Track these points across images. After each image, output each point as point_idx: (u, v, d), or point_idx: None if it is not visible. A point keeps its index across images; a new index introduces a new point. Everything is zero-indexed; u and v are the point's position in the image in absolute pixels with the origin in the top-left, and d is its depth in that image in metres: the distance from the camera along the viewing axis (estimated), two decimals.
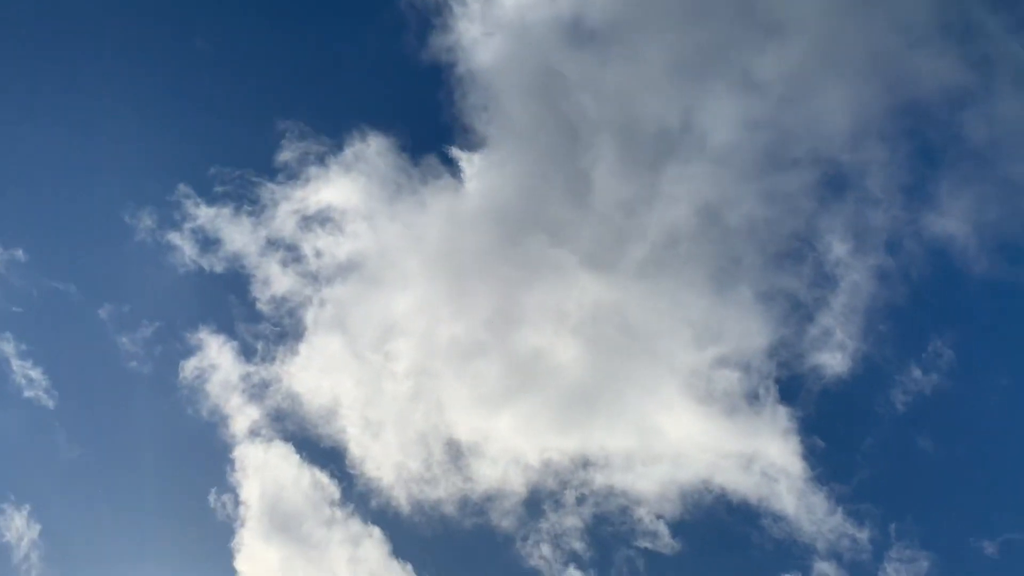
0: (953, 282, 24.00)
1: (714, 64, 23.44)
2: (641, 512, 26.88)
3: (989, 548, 22.48)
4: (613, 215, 25.30)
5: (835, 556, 24.17)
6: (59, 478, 27.51)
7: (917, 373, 23.86)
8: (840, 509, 24.41)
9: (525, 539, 28.48)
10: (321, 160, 27.00)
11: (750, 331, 25.83)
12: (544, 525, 27.95)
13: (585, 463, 26.62)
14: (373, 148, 26.53)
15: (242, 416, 28.28)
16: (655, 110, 23.87)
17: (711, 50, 23.47)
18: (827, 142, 22.08)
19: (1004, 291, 23.20)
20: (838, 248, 24.18)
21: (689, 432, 26.04)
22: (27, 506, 25.77)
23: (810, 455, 24.68)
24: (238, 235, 27.51)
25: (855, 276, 24.12)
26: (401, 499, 28.19)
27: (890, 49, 21.42)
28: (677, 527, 26.09)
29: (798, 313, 25.09)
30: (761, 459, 25.20)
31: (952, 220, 22.56)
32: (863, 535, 23.91)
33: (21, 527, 25.19)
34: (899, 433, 24.50)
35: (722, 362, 25.91)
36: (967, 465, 24.21)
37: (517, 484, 28.19)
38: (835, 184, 23.02)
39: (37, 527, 25.54)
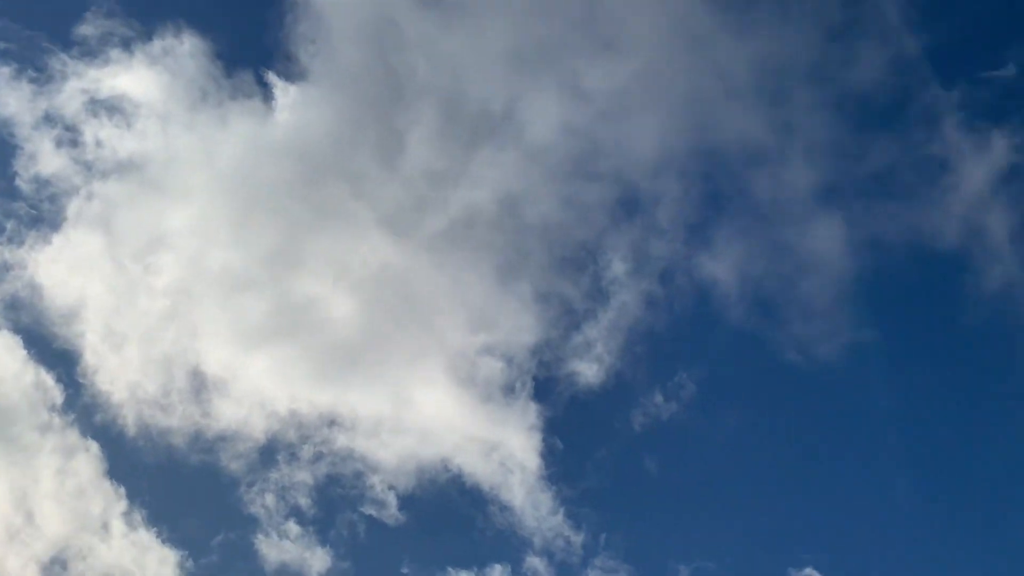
0: (709, 322, 25.68)
1: (548, 62, 23.73)
2: (375, 480, 26.82)
3: (683, 572, 24.17)
4: (418, 182, 25.03)
5: (547, 554, 25.17)
6: None
7: (659, 399, 25.31)
8: (562, 510, 25.48)
9: (251, 485, 27.62)
10: (126, 44, 25.00)
11: (521, 326, 26.44)
12: (274, 475, 27.24)
13: (331, 422, 26.18)
14: (186, 47, 24.85)
15: None
16: (482, 90, 23.87)
17: (549, 48, 23.74)
18: (631, 165, 22.91)
19: (749, 341, 25.04)
20: (617, 266, 25.23)
21: (441, 410, 26.24)
22: None
23: (548, 454, 25.58)
24: (14, 100, 25.00)
25: (626, 296, 25.28)
26: (128, 420, 26.50)
27: (707, 93, 22.55)
28: (406, 500, 26.24)
29: (568, 319, 25.98)
30: (502, 449, 25.84)
31: (721, 266, 24.12)
32: (577, 539, 25.05)
33: None
34: (631, 451, 25.87)
35: (489, 350, 26.36)
36: (682, 492, 25.95)
37: (256, 429, 27.27)
38: (629, 206, 23.93)
39: None
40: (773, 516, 25.03)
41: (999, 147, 21.07)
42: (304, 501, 27.76)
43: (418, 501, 27.76)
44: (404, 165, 25.50)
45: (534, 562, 25.36)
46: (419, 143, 24.98)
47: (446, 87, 24.65)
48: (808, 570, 22.92)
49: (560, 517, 25.60)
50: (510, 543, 26.27)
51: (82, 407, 25.98)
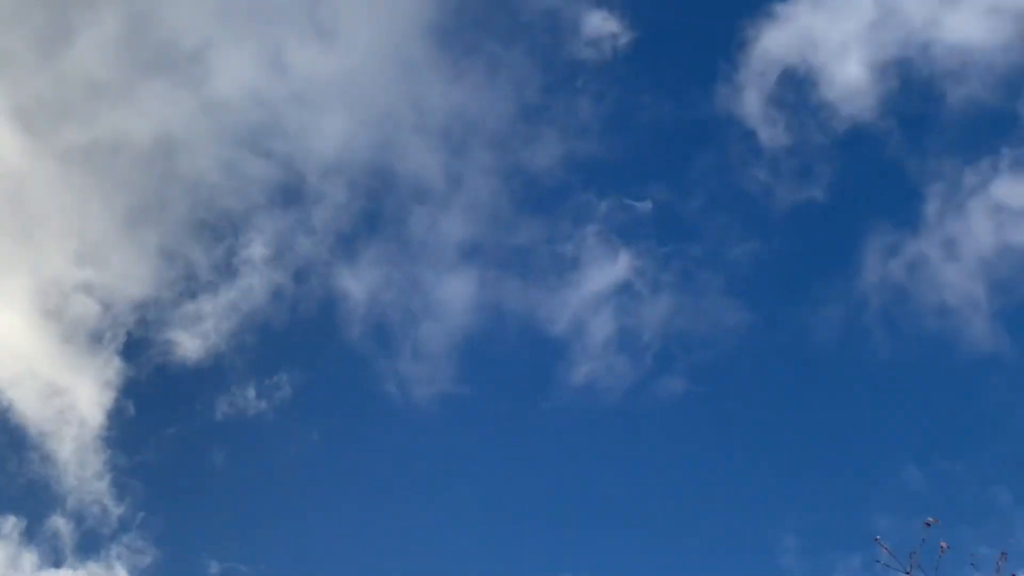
0: (326, 332, 25.52)
1: (258, 23, 22.88)
2: None
3: (214, 569, 23.37)
4: (74, 85, 23.01)
5: (77, 517, 23.06)
6: None
7: (252, 393, 24.56)
8: (109, 477, 23.56)
9: None
10: None
11: (134, 276, 24.44)
12: None
13: None
14: None
15: None
16: (180, 22, 22.43)
17: (262, 10, 22.94)
18: (307, 156, 22.56)
19: (357, 362, 25.26)
20: (257, 249, 24.28)
21: (11, 333, 23.50)
22: None
23: (115, 416, 23.46)
24: None
25: (255, 281, 24.39)
26: None
27: (401, 119, 22.97)
28: None
29: (187, 285, 24.38)
30: (67, 396, 23.39)
31: (357, 283, 24.26)
32: (116, 510, 23.24)
33: None
34: (204, 437, 24.69)
35: (89, 289, 24.00)
36: (241, 492, 25.22)
37: None
38: (290, 195, 23.49)
39: None
40: (327, 533, 25.23)
41: (623, 262, 23.59)
42: None
43: None
44: (65, 63, 23.04)
45: (58, 522, 23.11)
46: (91, 47, 22.74)
47: (143, 4, 22.81)
48: None
49: (105, 484, 23.68)
50: (37, 496, 23.77)
51: None
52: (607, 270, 24.30)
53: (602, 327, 24.15)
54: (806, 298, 24.00)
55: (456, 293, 24.31)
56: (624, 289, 24.97)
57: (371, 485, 25.89)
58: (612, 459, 24.71)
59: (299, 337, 25.50)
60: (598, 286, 24.05)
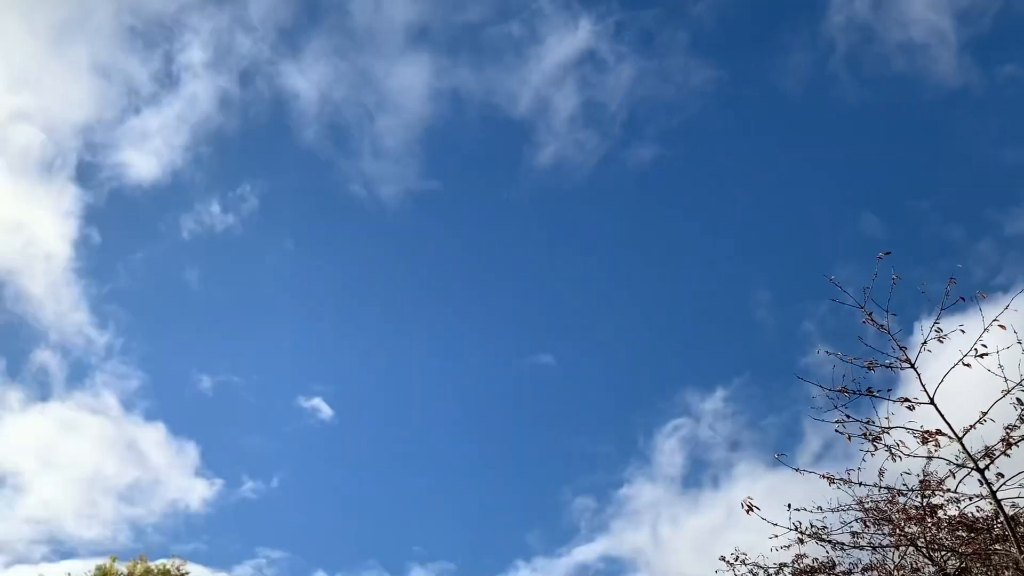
0: (283, 136, 24.68)
1: None
2: None
3: (206, 382, 23.72)
4: None
5: (63, 350, 23.13)
6: None
7: (217, 208, 24.06)
8: (87, 307, 23.48)
9: None
10: None
11: (72, 98, 23.28)
12: None
13: None
14: None
15: None
16: None
17: None
18: None
19: (320, 165, 24.57)
20: (195, 54, 22.97)
21: None
22: None
23: (82, 245, 23.21)
24: None
25: (198, 88, 23.24)
26: None
27: None
28: None
29: (128, 101, 23.35)
30: (29, 230, 22.92)
31: (305, 80, 23.16)
32: (101, 339, 23.30)
33: None
34: (174, 257, 24.45)
35: (28, 116, 22.90)
36: (219, 307, 25.26)
37: None
38: None
39: None
40: (296, 345, 25.47)
41: (583, 31, 22.45)
42: None
43: None
44: None
45: (44, 356, 23.16)
46: None
47: None
48: (316, 400, 23.86)
49: (83, 314, 23.59)
50: (18, 334, 23.70)
51: None
52: (567, 41, 23.25)
53: (566, 102, 23.41)
54: (772, 48, 23.20)
55: (409, 82, 23.30)
56: (586, 59, 24.05)
57: (348, 288, 25.98)
58: (584, 237, 24.72)
59: (254, 144, 24.64)
60: (558, 59, 23.10)
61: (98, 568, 11.12)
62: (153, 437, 22.96)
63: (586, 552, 20.62)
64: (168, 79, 23.03)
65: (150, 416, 24.14)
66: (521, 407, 24.78)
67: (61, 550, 21.74)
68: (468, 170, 24.49)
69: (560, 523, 22.14)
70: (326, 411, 23.77)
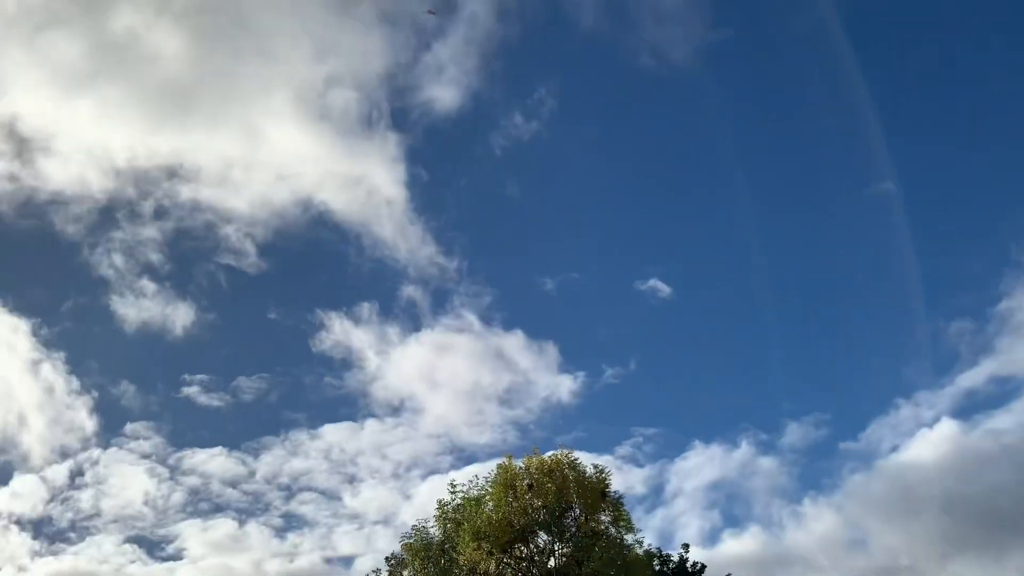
0: (563, 31, 23.86)
1: None
2: (228, 230, 25.25)
3: (549, 285, 23.92)
4: None
5: (422, 282, 24.50)
6: None
7: (519, 119, 23.94)
8: (432, 239, 24.60)
9: (94, 247, 25.78)
10: None
11: (369, 51, 24.13)
12: (117, 235, 25.39)
13: (173, 173, 24.03)
14: None
15: None
16: None
17: None
18: None
19: (604, 48, 23.43)
20: None
21: (297, 147, 24.28)
22: None
23: (413, 185, 24.29)
24: None
25: (476, 7, 23.04)
26: None
27: None
28: (266, 247, 24.90)
29: (418, 40, 23.78)
30: (366, 183, 24.31)
31: None
32: (451, 264, 24.37)
33: None
34: (493, 176, 24.78)
35: (338, 80, 24.14)
36: (543, 212, 25.30)
37: (89, 188, 24.94)
38: None
39: None
40: (626, 229, 24.77)
41: None
42: (156, 257, 26.14)
43: (280, 245, 26.47)
44: None
45: (408, 291, 24.74)
46: None
47: None
48: (653, 281, 23.14)
49: (431, 246, 24.80)
50: (383, 277, 25.51)
51: None
52: None
53: None
54: None
55: None
56: None
57: (656, 163, 24.76)
58: None
59: (539, 46, 24.14)
60: None
61: (499, 467, 11.21)
62: (515, 344, 23.92)
63: (972, 377, 18.56)
64: (447, 7, 23.19)
65: (508, 325, 25.18)
66: (863, 239, 22.41)
67: (462, 457, 23.56)
68: (759, 9, 22.06)
69: (937, 352, 19.96)
70: (664, 289, 23.36)
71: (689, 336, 25.59)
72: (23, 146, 23.51)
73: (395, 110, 24.15)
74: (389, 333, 25.13)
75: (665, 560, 12.44)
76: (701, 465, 22.87)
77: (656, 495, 22.57)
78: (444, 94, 23.71)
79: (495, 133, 24.22)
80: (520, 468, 11.33)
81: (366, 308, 25.52)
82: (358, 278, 25.86)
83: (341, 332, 25.00)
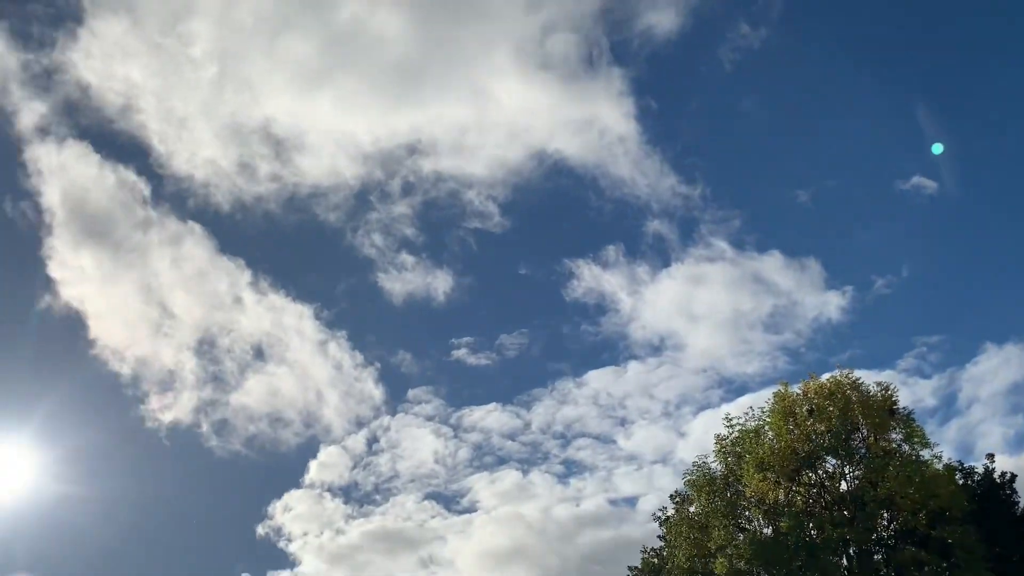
0: None
1: None
2: (471, 194, 26.22)
3: (802, 197, 22.69)
4: None
5: (666, 215, 24.20)
6: None
7: (746, 28, 22.68)
8: (671, 169, 24.13)
9: (355, 230, 27.76)
10: None
11: None
12: (373, 216, 27.15)
13: (413, 150, 25.25)
14: None
15: (28, 111, 25.34)
16: None
17: None
18: None
19: None
20: None
21: (523, 101, 24.64)
22: None
23: (643, 117, 23.90)
24: None
25: None
26: (219, 196, 26.67)
27: None
28: (508, 205, 25.61)
29: None
30: (597, 124, 24.22)
31: None
32: (694, 192, 23.85)
33: None
34: (726, 93, 23.77)
35: (553, 25, 24.11)
36: (781, 123, 23.89)
37: (342, 176, 26.82)
38: None
39: None
40: (878, 127, 22.78)
41: None
42: (410, 231, 27.71)
43: (520, 202, 27.12)
44: None
45: (653, 226, 24.48)
46: None
47: None
48: (916, 179, 21.13)
49: (671, 177, 24.31)
50: (625, 216, 25.40)
51: (171, 196, 26.13)
52: None
53: None
54: None
55: None
56: None
57: (903, 57, 22.36)
58: None
59: None
60: None
61: (775, 395, 10.94)
62: (773, 265, 23.07)
63: None
64: None
65: (762, 247, 24.30)
66: None
67: (732, 389, 23.25)
68: None
69: None
70: (929, 186, 21.42)
71: (963, 233, 23.41)
72: (280, 147, 25.69)
73: (614, 44, 23.84)
74: (639, 272, 25.16)
75: (968, 473, 11.57)
76: (996, 368, 21.08)
77: (948, 406, 21.13)
78: (662, 18, 23.07)
79: (721, 48, 23.28)
80: (797, 394, 10.99)
81: (612, 251, 25.71)
82: (601, 222, 26.04)
83: (591, 278, 25.37)
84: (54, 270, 26.66)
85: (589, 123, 24.12)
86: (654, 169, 23.96)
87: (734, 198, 23.97)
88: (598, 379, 25.98)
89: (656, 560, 11.98)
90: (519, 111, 24.52)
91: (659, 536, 12.15)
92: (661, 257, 24.96)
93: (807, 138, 24.13)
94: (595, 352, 26.49)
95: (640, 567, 12.15)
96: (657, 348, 24.66)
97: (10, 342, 25.30)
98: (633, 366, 25.57)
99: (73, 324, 26.67)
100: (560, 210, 26.23)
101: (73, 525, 24.42)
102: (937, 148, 20.65)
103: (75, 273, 27.05)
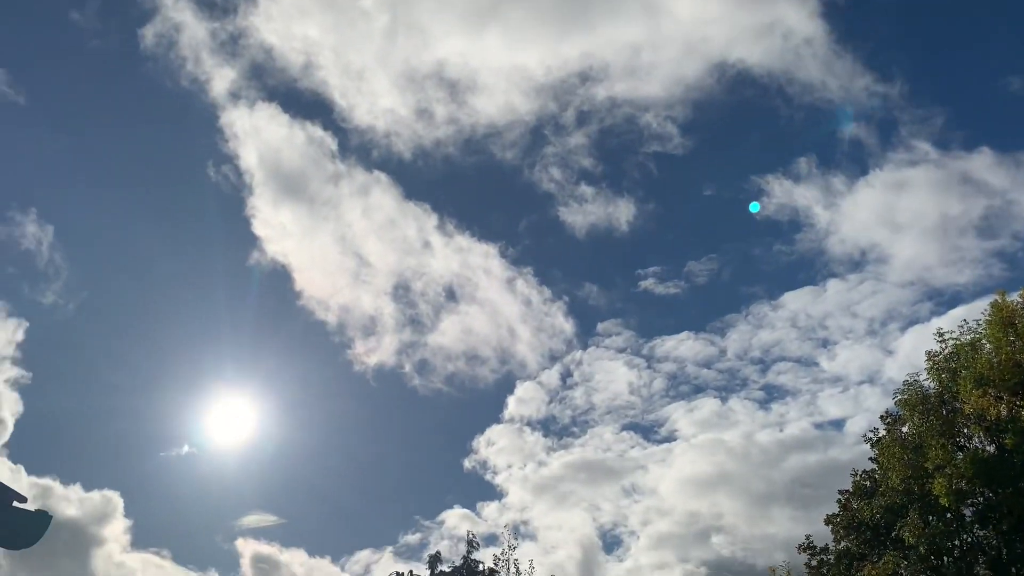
0: None
1: None
2: (648, 118, 25.66)
3: (1015, 84, 20.74)
4: None
5: (863, 118, 22.76)
6: (50, 173, 27.44)
7: None
8: (864, 67, 22.56)
9: (532, 167, 27.97)
10: None
11: None
12: (549, 150, 27.20)
13: (585, 77, 25.01)
14: None
15: (219, 78, 27.06)
16: None
17: None
18: None
19: None
20: None
21: (699, 10, 23.79)
22: (32, 210, 26.05)
23: (830, 14, 22.40)
24: None
25: None
26: (400, 145, 27.57)
27: None
28: (688, 125, 24.89)
29: None
30: (780, 26, 22.99)
31: None
32: (892, 90, 22.28)
33: (36, 232, 25.55)
34: None
35: None
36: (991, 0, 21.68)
37: (516, 112, 27.03)
38: None
39: (50, 228, 25.88)
40: None
41: None
42: (588, 162, 27.59)
43: (701, 120, 26.28)
44: None
45: (848, 132, 23.06)
46: None
47: None
48: None
49: (866, 76, 22.74)
50: (817, 123, 24.06)
51: (356, 148, 27.31)
52: None
53: None
54: None
55: None
56: None
57: None
58: None
59: None
60: None
61: (992, 305, 10.21)
62: (983, 163, 21.87)
63: None
64: None
65: (970, 144, 22.65)
66: None
67: (943, 301, 21.91)
68: None
69: None
70: None
71: None
72: (453, 89, 26.17)
73: None
74: (834, 183, 23.94)
75: None
76: None
77: None
78: None
79: None
80: (1017, 303, 10.20)
81: (804, 163, 24.55)
82: (790, 132, 24.88)
83: (782, 193, 24.39)
84: (258, 228, 28.64)
85: (771, 27, 22.95)
86: (846, 70, 22.57)
87: (937, 93, 22.22)
88: (795, 300, 25.20)
89: (868, 483, 11.59)
90: (694, 23, 23.67)
91: (870, 458, 11.73)
92: (858, 164, 23.66)
93: (1019, 16, 21.85)
94: (790, 272, 25.64)
95: (851, 490, 11.81)
96: (858, 263, 23.54)
97: (232, 302, 27.59)
98: (833, 284, 24.59)
99: (280, 278, 28.70)
100: (745, 124, 25.29)
101: (296, 467, 26.67)
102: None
103: (277, 230, 28.96)
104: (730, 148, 26.80)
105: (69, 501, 21.32)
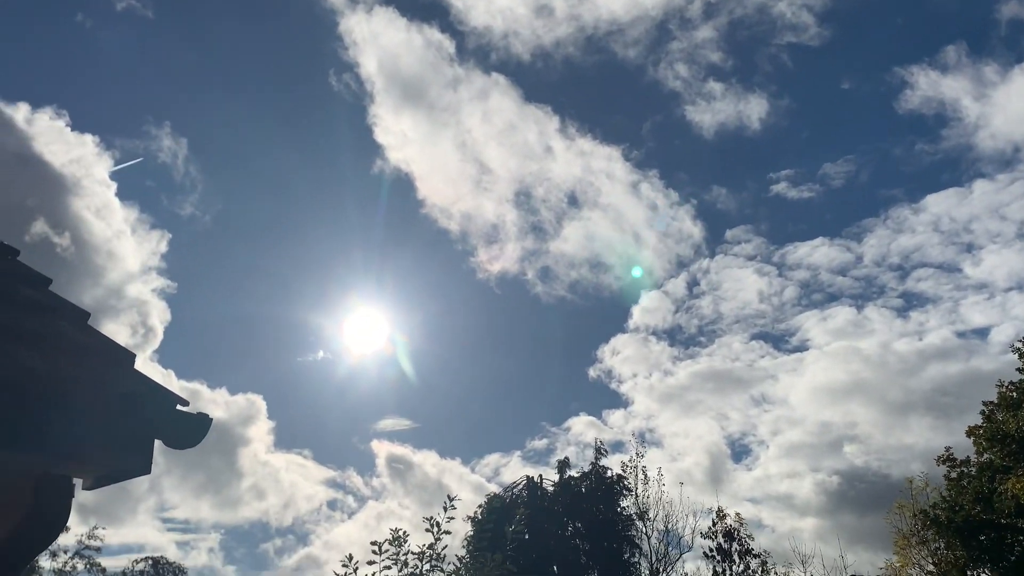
0: None
1: None
2: (782, 6, 24.23)
3: None
4: None
5: None
6: (181, 86, 28.45)
7: None
8: None
9: (656, 64, 27.04)
10: None
11: None
12: (675, 45, 26.19)
13: None
14: None
15: None
16: None
17: None
18: None
19: None
20: None
21: None
22: (167, 123, 27.24)
23: None
24: None
25: None
26: (519, 46, 27.12)
27: None
28: (826, 13, 23.34)
29: None
30: None
31: None
32: None
33: (171, 145, 26.76)
34: None
35: None
36: None
37: (641, 6, 26.05)
38: None
39: (184, 141, 27.05)
40: None
41: None
42: (716, 57, 26.45)
43: (840, 6, 24.60)
44: None
45: (1006, 12, 21.30)
46: None
47: None
48: None
49: None
50: (969, 5, 22.11)
51: (474, 51, 27.05)
52: None
53: None
54: None
55: None
56: None
57: None
58: None
59: None
60: None
61: None
62: None
63: None
64: None
65: None
66: None
67: None
68: None
69: None
70: None
71: None
72: None
73: None
74: (986, 72, 22.19)
75: None
76: None
77: None
78: None
79: None
80: None
81: (952, 51, 22.81)
82: (938, 16, 23.03)
83: (927, 85, 22.84)
84: (380, 136, 29.08)
85: None
86: None
87: None
88: (938, 203, 23.85)
89: (1015, 394, 11.05)
90: None
91: (1018, 369, 11.15)
92: (1014, 51, 21.79)
93: None
94: (933, 173, 24.20)
95: (996, 401, 11.28)
96: (1009, 161, 21.95)
97: (360, 210, 28.33)
98: (980, 185, 23.07)
99: (404, 187, 29.20)
100: (888, 10, 23.55)
101: (425, 374, 27.58)
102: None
103: (398, 137, 29.32)
104: (871, 37, 25.15)
105: (216, 404, 22.88)
